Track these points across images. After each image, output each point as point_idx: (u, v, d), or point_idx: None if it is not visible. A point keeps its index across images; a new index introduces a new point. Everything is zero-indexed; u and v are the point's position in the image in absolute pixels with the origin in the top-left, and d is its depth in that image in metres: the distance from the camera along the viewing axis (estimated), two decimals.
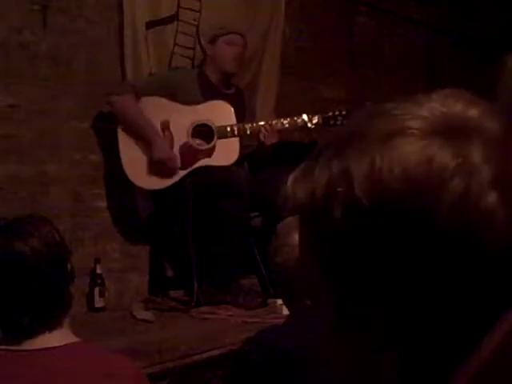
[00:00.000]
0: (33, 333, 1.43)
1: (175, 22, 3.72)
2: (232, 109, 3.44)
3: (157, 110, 3.37)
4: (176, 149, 3.37)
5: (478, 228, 0.54)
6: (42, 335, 1.43)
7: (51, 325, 1.45)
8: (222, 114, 3.43)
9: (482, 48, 5.31)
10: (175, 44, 3.72)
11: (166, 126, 3.36)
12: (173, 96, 3.38)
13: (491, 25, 5.33)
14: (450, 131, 0.56)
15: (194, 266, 3.28)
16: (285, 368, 1.51)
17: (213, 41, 3.55)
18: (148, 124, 3.33)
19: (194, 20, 3.78)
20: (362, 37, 4.82)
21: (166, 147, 3.32)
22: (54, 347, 1.43)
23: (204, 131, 3.39)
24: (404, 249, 0.55)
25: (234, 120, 3.43)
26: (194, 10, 3.77)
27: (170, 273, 3.65)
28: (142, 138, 3.32)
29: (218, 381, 2.56)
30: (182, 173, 3.35)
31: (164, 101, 3.38)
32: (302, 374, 1.45)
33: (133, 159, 3.32)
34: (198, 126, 3.38)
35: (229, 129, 3.40)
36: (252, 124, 3.43)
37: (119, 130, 3.33)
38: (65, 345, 1.44)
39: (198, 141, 3.39)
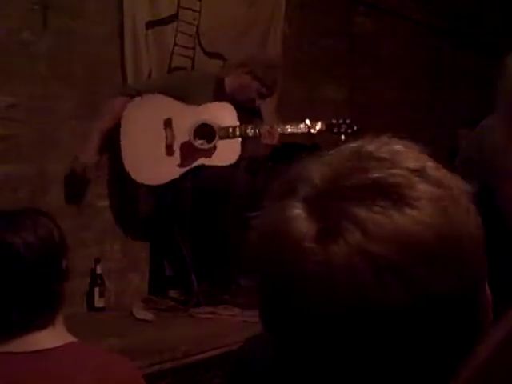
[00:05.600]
0: (22, 330, 1.38)
1: (175, 22, 3.72)
2: (235, 110, 3.45)
3: (159, 107, 3.40)
4: (177, 147, 3.38)
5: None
6: (33, 334, 1.38)
7: (41, 322, 1.40)
8: (224, 114, 3.44)
9: (482, 48, 5.31)
10: (175, 44, 3.72)
11: (168, 125, 3.37)
12: (185, 97, 3.40)
13: (491, 25, 5.33)
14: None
15: (192, 265, 3.29)
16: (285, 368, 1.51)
17: (246, 67, 3.54)
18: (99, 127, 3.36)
19: (194, 20, 3.78)
20: (362, 37, 4.82)
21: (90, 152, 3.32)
22: (48, 349, 1.38)
23: (206, 131, 3.39)
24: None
25: (236, 121, 3.43)
26: (194, 10, 3.77)
27: (169, 273, 3.65)
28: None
29: (218, 381, 2.56)
30: (182, 170, 3.36)
31: (168, 99, 3.40)
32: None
33: (134, 155, 3.34)
34: (200, 125, 3.39)
35: (231, 130, 3.40)
36: (252, 126, 3.43)
37: (122, 125, 3.35)
38: (60, 346, 1.40)
39: (200, 141, 3.40)
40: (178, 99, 3.41)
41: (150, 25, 3.63)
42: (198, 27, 3.80)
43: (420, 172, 0.58)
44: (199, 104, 3.42)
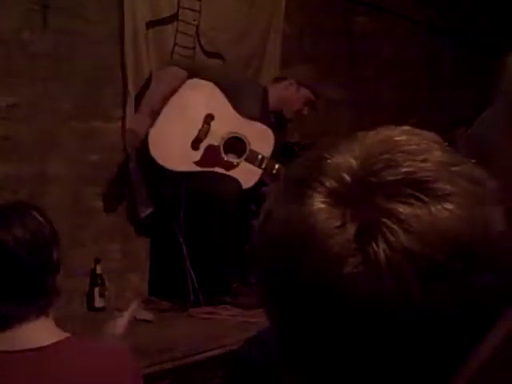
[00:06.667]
0: (13, 321, 1.38)
1: (175, 22, 3.72)
2: (273, 142, 3.44)
3: (209, 99, 3.43)
4: (204, 145, 3.37)
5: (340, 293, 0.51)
6: (25, 327, 1.38)
7: (33, 314, 1.40)
8: (262, 140, 3.44)
9: (483, 48, 5.30)
10: (175, 44, 3.72)
11: (207, 121, 3.38)
12: (234, 98, 3.41)
13: (491, 25, 5.33)
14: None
15: (191, 265, 3.29)
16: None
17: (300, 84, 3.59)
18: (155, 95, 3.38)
19: (194, 20, 3.78)
20: (362, 37, 4.82)
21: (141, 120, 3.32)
22: (44, 346, 1.37)
23: (237, 145, 3.39)
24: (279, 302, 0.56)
25: (268, 152, 3.43)
26: (194, 10, 3.77)
27: (169, 273, 3.65)
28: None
29: (218, 381, 2.56)
30: (194, 168, 3.35)
31: (220, 96, 3.42)
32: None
33: (162, 130, 3.33)
34: (234, 137, 3.40)
35: (259, 157, 3.40)
36: (280, 165, 3.38)
37: (171, 99, 3.37)
38: (56, 342, 1.39)
39: (229, 154, 3.39)
40: (227, 95, 3.42)
41: (150, 25, 3.63)
42: (197, 27, 3.80)
43: (451, 165, 0.55)
44: (244, 110, 3.43)
